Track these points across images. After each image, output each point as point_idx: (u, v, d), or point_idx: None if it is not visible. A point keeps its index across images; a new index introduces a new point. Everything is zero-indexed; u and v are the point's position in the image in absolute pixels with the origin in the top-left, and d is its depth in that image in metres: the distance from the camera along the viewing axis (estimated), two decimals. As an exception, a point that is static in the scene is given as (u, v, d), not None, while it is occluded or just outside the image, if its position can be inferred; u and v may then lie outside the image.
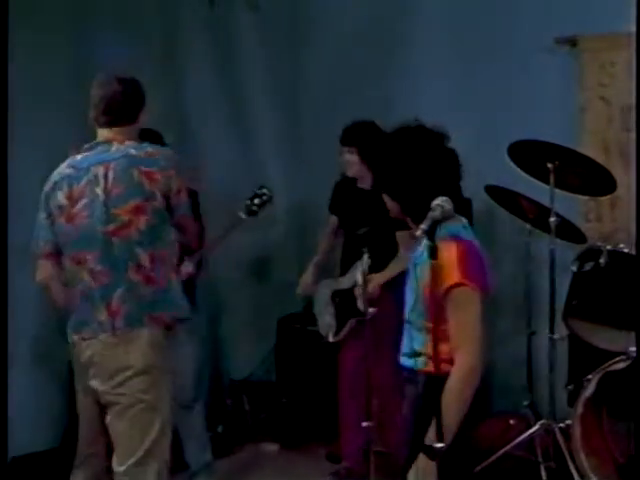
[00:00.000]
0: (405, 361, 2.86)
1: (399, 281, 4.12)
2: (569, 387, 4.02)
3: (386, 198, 2.85)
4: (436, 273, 2.55)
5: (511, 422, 4.24)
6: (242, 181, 5.21)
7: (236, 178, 5.17)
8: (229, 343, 5.25)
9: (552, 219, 3.96)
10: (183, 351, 4.20)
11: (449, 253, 2.65)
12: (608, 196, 4.11)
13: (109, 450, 3.22)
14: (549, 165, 3.95)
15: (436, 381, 2.60)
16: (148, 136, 4.13)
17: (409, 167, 2.73)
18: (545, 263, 4.07)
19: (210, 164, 5.04)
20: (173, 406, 3.25)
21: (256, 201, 4.24)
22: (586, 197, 4.24)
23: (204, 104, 5.20)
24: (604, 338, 3.89)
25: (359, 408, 3.89)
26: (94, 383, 3.14)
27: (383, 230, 4.01)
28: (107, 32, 4.69)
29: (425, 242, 2.56)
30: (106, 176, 3.08)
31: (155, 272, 3.11)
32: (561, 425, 3.92)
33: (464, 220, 2.83)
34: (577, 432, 3.74)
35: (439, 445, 2.53)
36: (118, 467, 3.14)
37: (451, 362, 2.65)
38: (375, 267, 3.91)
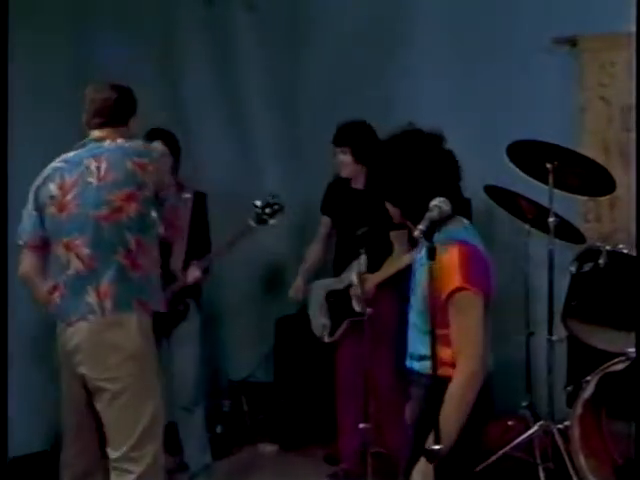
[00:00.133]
0: (411, 364, 2.85)
1: (395, 280, 4.15)
2: (568, 388, 4.01)
3: (387, 204, 2.85)
4: (433, 274, 2.54)
5: (510, 423, 4.24)
6: (240, 181, 5.22)
7: (234, 178, 5.18)
8: (228, 344, 5.24)
9: (551, 219, 3.95)
10: (184, 352, 4.22)
11: (450, 256, 2.64)
12: (607, 196, 4.09)
13: (101, 439, 3.25)
14: (548, 165, 3.94)
15: (438, 384, 2.59)
16: (161, 135, 4.18)
17: (407, 172, 2.72)
18: (544, 263, 4.05)
19: (208, 164, 5.04)
20: (164, 394, 3.31)
21: (267, 210, 4.21)
22: (585, 197, 4.23)
23: (202, 104, 5.21)
24: (603, 339, 3.89)
25: (357, 409, 3.88)
26: (82, 369, 3.18)
27: (378, 230, 4.00)
28: (106, 32, 4.70)
29: (424, 243, 2.55)
30: (99, 168, 3.16)
31: (141, 259, 3.19)
32: (560, 426, 3.90)
33: (465, 221, 2.83)
34: (576, 433, 3.73)
35: (436, 447, 2.52)
36: (113, 453, 3.19)
37: (454, 366, 2.65)
38: (370, 267, 3.90)
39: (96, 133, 3.27)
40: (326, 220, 4.56)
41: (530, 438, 4.01)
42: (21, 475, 4.18)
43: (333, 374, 4.45)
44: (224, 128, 5.31)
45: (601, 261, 3.79)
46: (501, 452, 3.98)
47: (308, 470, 4.58)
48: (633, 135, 3.98)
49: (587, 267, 3.87)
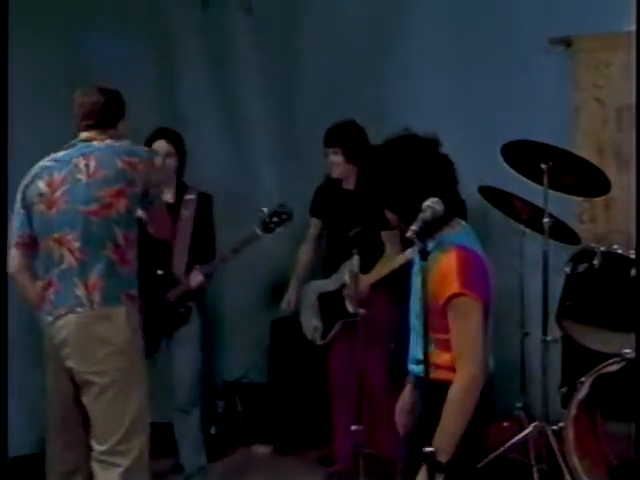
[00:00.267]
0: (412, 368, 2.85)
1: (388, 281, 4.14)
2: (562, 389, 4.01)
3: (385, 210, 2.84)
4: (427, 275, 2.54)
5: (504, 424, 4.23)
6: (237, 183, 5.22)
7: (231, 180, 5.17)
8: (222, 345, 5.23)
9: (546, 220, 3.95)
10: (183, 354, 4.21)
11: (448, 261, 2.64)
12: (602, 197, 4.09)
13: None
14: (543, 166, 3.93)
15: (435, 388, 2.60)
16: (167, 135, 4.18)
17: (403, 178, 2.72)
18: (539, 264, 4.04)
19: (205, 166, 5.02)
20: (150, 389, 3.32)
21: (275, 219, 4.18)
22: (580, 198, 4.22)
23: (199, 105, 5.21)
24: (597, 340, 3.88)
25: (351, 411, 3.88)
26: (70, 362, 3.20)
27: (370, 230, 4.00)
28: (103, 33, 4.70)
29: (417, 244, 2.54)
30: (87, 165, 3.20)
31: (129, 254, 3.24)
32: (554, 427, 3.90)
33: (464, 224, 2.82)
34: (570, 434, 3.72)
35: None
36: (99, 447, 3.21)
37: (453, 370, 2.65)
38: (362, 267, 3.90)
39: (85, 134, 3.32)
40: (316, 222, 4.55)
41: (525, 439, 4.00)
42: (21, 475, 4.17)
43: (327, 375, 4.44)
44: (221, 130, 5.31)
45: (596, 262, 3.79)
46: (495, 453, 3.97)
47: (302, 472, 4.56)
48: (631, 135, 3.99)
49: (582, 268, 3.86)
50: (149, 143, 4.18)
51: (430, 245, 2.64)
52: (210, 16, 5.20)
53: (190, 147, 4.39)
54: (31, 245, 3.31)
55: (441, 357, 2.69)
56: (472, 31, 4.66)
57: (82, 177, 3.20)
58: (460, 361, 2.64)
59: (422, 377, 2.67)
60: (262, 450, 4.89)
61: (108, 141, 3.28)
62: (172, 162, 4.23)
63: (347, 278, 4.16)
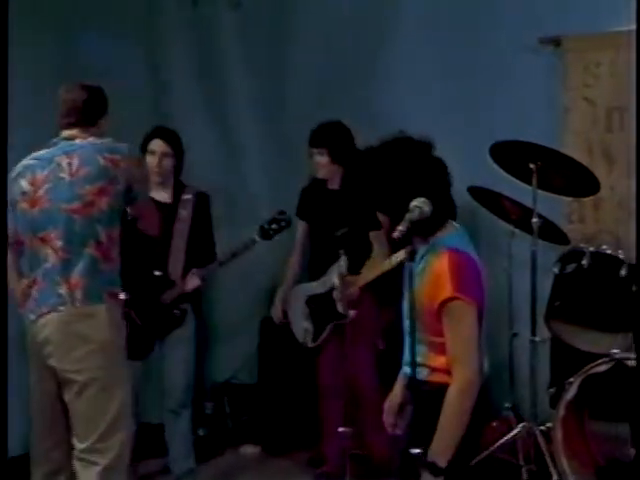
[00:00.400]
0: (406, 370, 2.85)
1: (378, 283, 4.13)
2: (551, 390, 4.00)
3: (377, 213, 2.84)
4: (413, 278, 2.54)
5: (493, 424, 4.22)
6: (226, 182, 5.20)
7: (220, 179, 5.15)
8: (211, 345, 5.20)
9: (534, 220, 3.94)
10: (176, 356, 4.19)
11: (441, 264, 2.65)
12: (591, 197, 4.08)
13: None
14: (532, 166, 3.93)
15: (433, 391, 2.62)
16: (164, 135, 4.17)
17: (396, 180, 2.71)
18: (527, 264, 4.03)
19: (194, 164, 4.99)
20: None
21: (273, 226, 4.18)
22: (569, 198, 4.21)
23: (187, 103, 5.19)
24: (586, 340, 3.89)
25: (340, 412, 3.87)
26: (52, 361, 3.21)
27: (357, 230, 3.99)
28: (101, 33, 4.72)
29: (407, 246, 2.54)
30: (70, 164, 3.21)
31: (112, 252, 3.25)
32: (542, 428, 3.89)
33: (456, 225, 2.82)
34: (558, 435, 3.72)
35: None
36: (79, 445, 3.22)
37: (449, 373, 2.66)
38: (350, 268, 3.88)
39: (67, 132, 3.33)
40: (303, 225, 4.54)
41: (513, 439, 3.99)
42: (20, 475, 4.15)
43: (316, 376, 4.43)
44: (210, 128, 5.29)
45: (584, 262, 3.79)
46: (484, 453, 3.96)
47: (291, 473, 4.56)
48: (621, 135, 4.01)
49: (570, 268, 3.86)
50: (146, 142, 4.16)
51: (423, 248, 2.64)
52: (199, 14, 5.19)
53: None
54: (14, 243, 3.33)
55: (437, 360, 2.70)
56: (461, 31, 4.64)
57: (65, 175, 3.20)
58: (456, 364, 2.64)
59: (414, 378, 2.68)
60: (251, 451, 4.89)
61: (90, 139, 3.28)
62: (169, 161, 4.21)
63: (336, 280, 4.14)
